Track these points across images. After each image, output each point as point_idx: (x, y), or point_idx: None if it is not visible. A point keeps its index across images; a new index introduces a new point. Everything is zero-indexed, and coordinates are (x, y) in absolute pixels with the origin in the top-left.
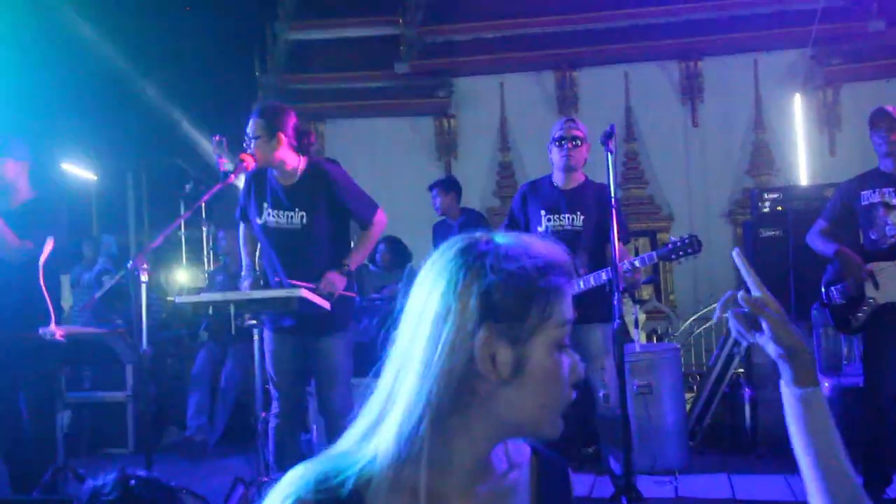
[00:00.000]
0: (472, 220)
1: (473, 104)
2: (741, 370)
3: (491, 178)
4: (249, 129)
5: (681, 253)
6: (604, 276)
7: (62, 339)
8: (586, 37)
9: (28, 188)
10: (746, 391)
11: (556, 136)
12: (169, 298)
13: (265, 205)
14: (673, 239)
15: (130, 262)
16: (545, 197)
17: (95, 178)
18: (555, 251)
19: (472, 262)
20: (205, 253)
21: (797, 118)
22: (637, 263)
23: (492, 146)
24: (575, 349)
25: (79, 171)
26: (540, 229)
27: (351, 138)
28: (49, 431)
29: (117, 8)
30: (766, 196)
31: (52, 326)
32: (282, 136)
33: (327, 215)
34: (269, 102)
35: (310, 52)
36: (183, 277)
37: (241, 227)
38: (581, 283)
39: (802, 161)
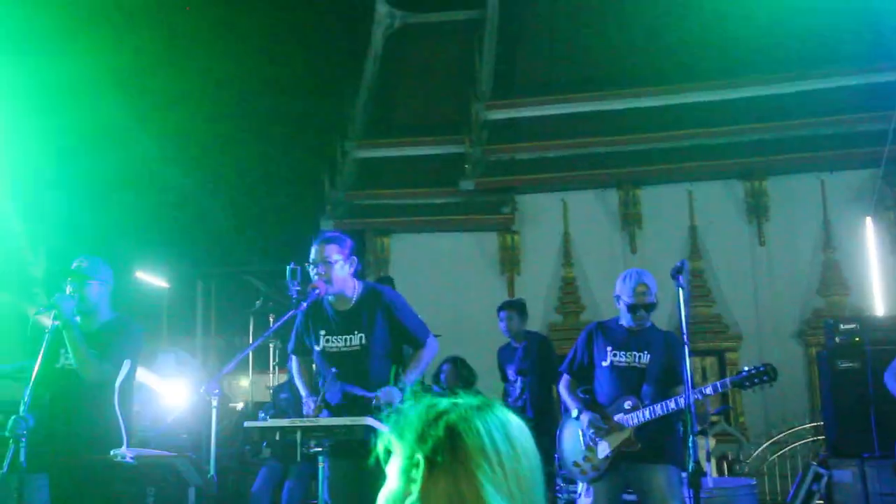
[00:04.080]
0: (534, 343)
1: (537, 220)
2: None
3: (553, 293)
4: (323, 254)
5: (755, 381)
6: (672, 406)
7: (132, 460)
8: (649, 155)
9: (108, 310)
10: None
11: (628, 302)
12: (231, 404)
13: (322, 332)
14: (747, 367)
15: (203, 386)
16: (613, 334)
17: (167, 285)
18: None
19: None
20: (270, 366)
21: (868, 239)
22: (708, 391)
23: (554, 262)
24: (638, 491)
25: (152, 279)
26: (604, 364)
27: (416, 253)
28: None
29: (195, 128)
30: (842, 326)
31: (125, 449)
32: (355, 259)
33: (384, 336)
34: (333, 231)
35: (377, 170)
36: (245, 384)
37: (294, 360)
38: (647, 413)
39: (876, 282)
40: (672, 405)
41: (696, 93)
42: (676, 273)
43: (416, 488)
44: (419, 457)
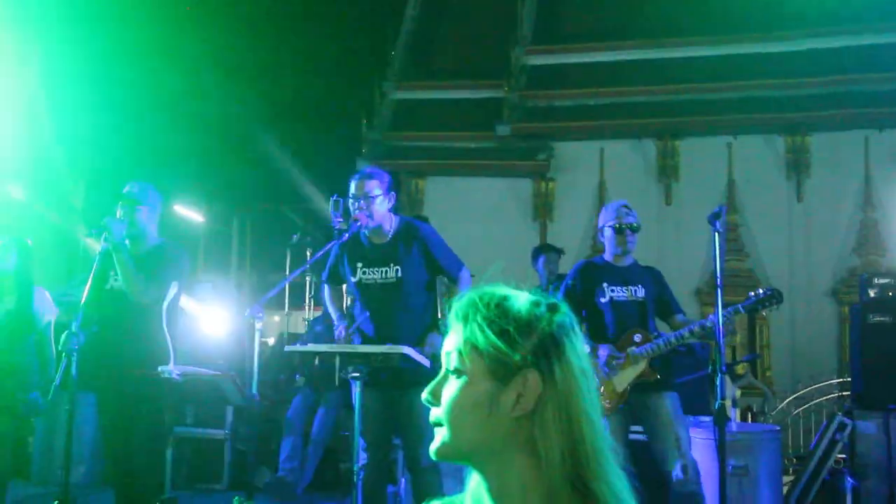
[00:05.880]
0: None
1: (572, 168)
2: (843, 457)
3: (586, 241)
4: (364, 189)
5: (766, 304)
6: (686, 333)
7: (179, 377)
8: (691, 106)
9: (156, 234)
10: (848, 480)
11: (612, 223)
12: (263, 339)
13: (359, 264)
14: (752, 293)
15: (248, 309)
16: (603, 271)
17: (203, 220)
18: None
19: None
20: (306, 300)
21: None
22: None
23: (588, 210)
24: (645, 420)
25: (189, 213)
26: (604, 300)
27: (450, 196)
28: (159, 465)
29: (234, 62)
30: (875, 280)
31: (171, 365)
32: (393, 195)
33: (419, 268)
34: (373, 167)
35: (414, 111)
36: (278, 320)
37: (327, 288)
38: (662, 343)
39: None
40: (686, 333)
41: (741, 44)
42: (714, 218)
43: (510, 396)
44: (521, 358)
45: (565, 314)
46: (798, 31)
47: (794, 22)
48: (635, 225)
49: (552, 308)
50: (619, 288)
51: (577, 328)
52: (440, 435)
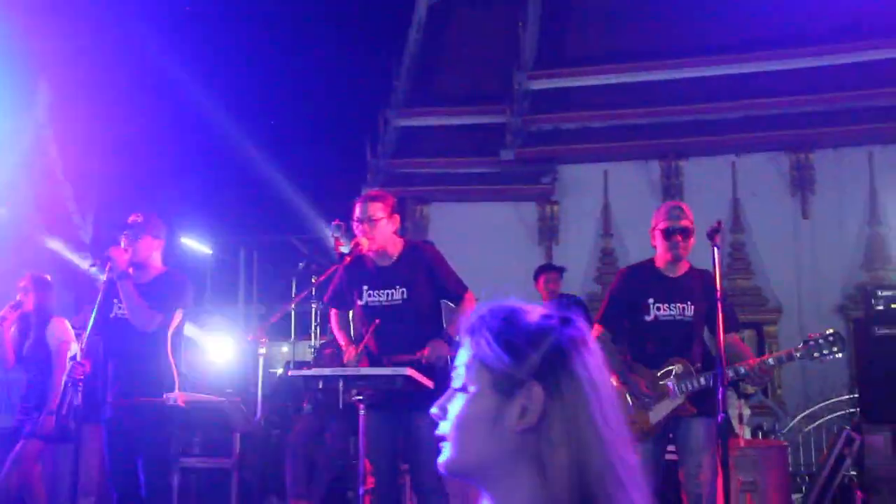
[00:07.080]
0: (563, 306)
1: (577, 191)
2: (853, 472)
3: (592, 264)
4: (368, 212)
5: (825, 352)
6: (731, 375)
7: (184, 404)
8: (693, 127)
9: (160, 263)
10: (858, 495)
11: (662, 226)
12: (272, 370)
13: (364, 287)
14: (814, 335)
15: (250, 335)
16: (652, 283)
17: (211, 252)
18: None
19: None
20: (313, 328)
21: None
22: (771, 362)
23: (594, 232)
24: (676, 442)
25: (196, 245)
26: (648, 319)
27: (455, 221)
28: (164, 493)
29: (236, 93)
30: (880, 293)
31: (176, 392)
32: (397, 217)
33: (425, 290)
34: (379, 189)
35: (418, 138)
36: (286, 350)
37: (334, 312)
38: (703, 381)
39: None
40: (731, 374)
41: (743, 64)
42: (713, 233)
43: (514, 409)
44: (526, 371)
45: (578, 328)
46: (799, 48)
47: (795, 40)
48: (686, 229)
49: (564, 321)
50: (665, 305)
51: (590, 344)
52: (445, 449)
